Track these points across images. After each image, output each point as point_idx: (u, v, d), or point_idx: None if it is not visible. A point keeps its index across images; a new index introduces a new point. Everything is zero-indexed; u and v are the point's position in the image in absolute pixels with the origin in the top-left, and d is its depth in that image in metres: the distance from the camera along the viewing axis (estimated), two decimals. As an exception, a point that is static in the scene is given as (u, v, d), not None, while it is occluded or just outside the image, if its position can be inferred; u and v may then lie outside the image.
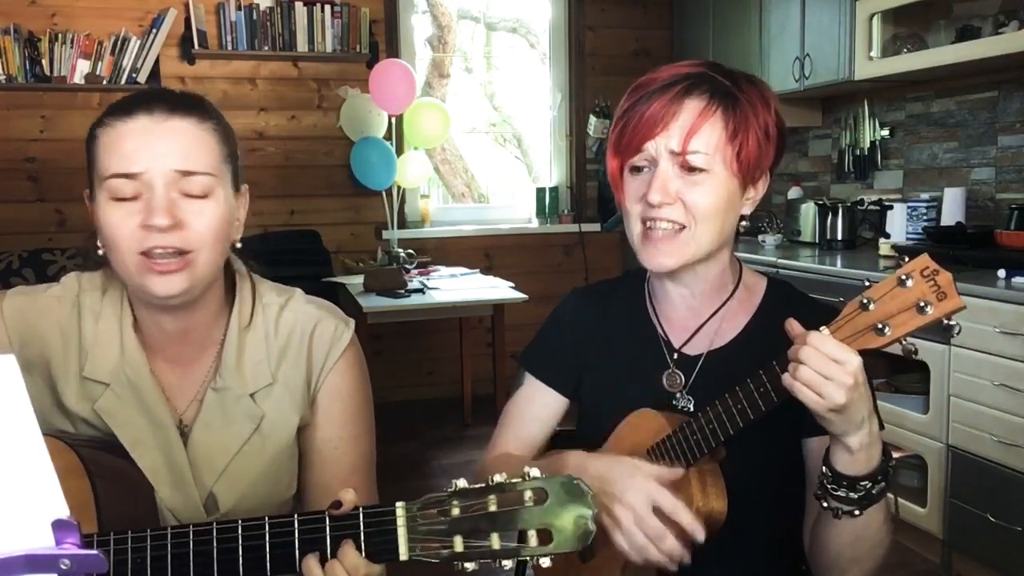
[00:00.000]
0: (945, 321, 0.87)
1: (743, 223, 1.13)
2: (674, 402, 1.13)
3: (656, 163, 1.05)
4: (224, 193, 1.04)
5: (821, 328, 0.91)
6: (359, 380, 1.16)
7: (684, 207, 1.05)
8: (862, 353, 0.89)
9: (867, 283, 0.91)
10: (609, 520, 0.96)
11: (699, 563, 1.09)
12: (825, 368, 0.87)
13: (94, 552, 0.62)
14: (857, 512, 0.95)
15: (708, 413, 0.99)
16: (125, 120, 1.00)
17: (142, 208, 0.98)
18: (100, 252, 1.03)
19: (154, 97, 1.02)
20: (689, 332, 1.16)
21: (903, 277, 0.87)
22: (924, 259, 0.87)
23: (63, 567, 0.61)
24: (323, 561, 0.83)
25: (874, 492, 0.94)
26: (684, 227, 1.05)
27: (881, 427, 0.96)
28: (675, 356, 1.16)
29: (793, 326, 0.91)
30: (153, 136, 0.99)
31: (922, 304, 0.86)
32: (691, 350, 1.15)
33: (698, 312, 1.16)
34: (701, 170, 1.04)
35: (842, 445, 0.92)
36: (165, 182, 0.98)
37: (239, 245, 1.10)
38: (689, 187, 1.04)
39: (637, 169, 1.08)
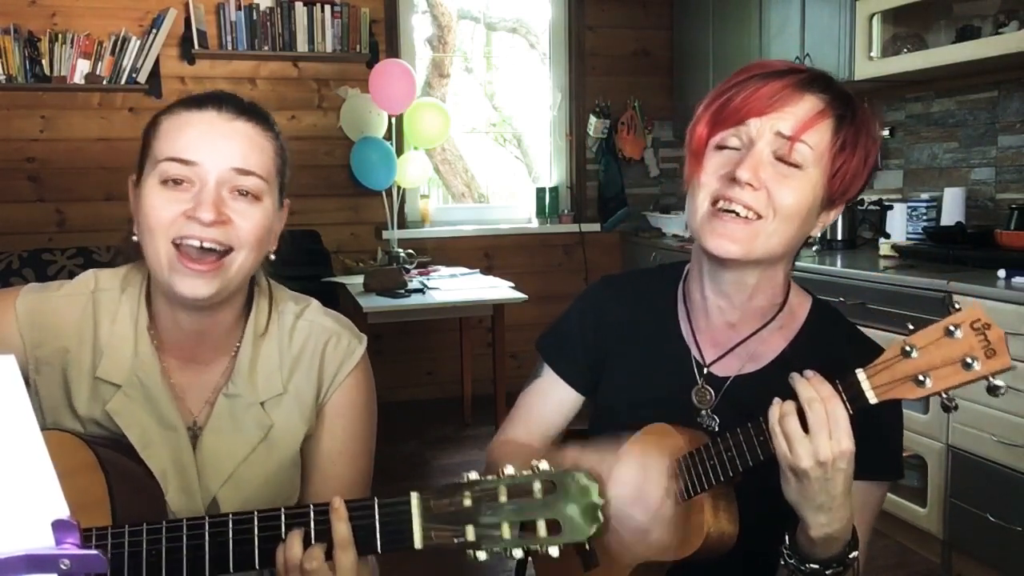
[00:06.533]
0: (991, 380, 0.81)
1: (814, 245, 1.08)
2: (699, 419, 1.08)
3: (752, 144, 0.97)
4: (271, 202, 1.05)
5: (857, 371, 0.86)
6: (365, 399, 1.15)
7: (767, 198, 0.96)
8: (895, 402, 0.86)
9: (911, 324, 0.85)
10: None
11: None
12: (817, 430, 0.84)
13: (94, 552, 0.62)
14: None
15: (728, 440, 0.95)
16: (193, 111, 1.02)
17: (190, 199, 0.98)
18: (134, 238, 1.03)
19: (226, 98, 1.04)
20: (721, 349, 1.09)
21: (951, 328, 0.82)
22: (976, 311, 0.82)
23: (63, 567, 0.61)
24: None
25: (827, 574, 0.93)
26: (761, 217, 0.97)
27: (854, 547, 0.94)
28: (705, 372, 1.09)
29: (819, 387, 0.86)
30: (217, 131, 1.01)
31: (969, 360, 0.80)
32: (720, 370, 1.09)
33: (735, 329, 1.09)
34: (797, 166, 0.97)
35: (802, 525, 0.91)
36: (219, 179, 0.99)
37: (272, 257, 1.11)
38: (779, 179, 0.96)
39: (725, 148, 1.00)
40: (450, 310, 3.56)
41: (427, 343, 4.52)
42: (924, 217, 3.20)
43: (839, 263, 3.09)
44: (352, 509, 0.85)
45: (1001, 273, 2.47)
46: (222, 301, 1.05)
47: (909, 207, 3.25)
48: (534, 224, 4.75)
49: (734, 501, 1.00)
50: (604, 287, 1.22)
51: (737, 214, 0.97)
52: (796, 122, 0.96)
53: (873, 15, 3.13)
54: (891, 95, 3.54)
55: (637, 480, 0.96)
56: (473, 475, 0.81)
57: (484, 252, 4.60)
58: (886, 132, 3.57)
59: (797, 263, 3.17)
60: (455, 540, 0.79)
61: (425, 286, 3.65)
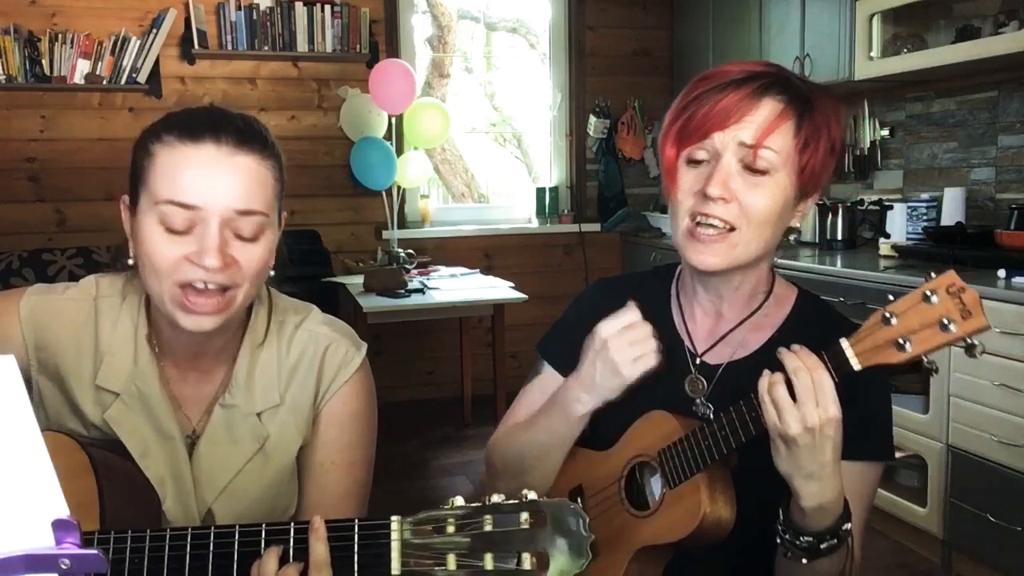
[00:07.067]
0: (968, 340, 0.84)
1: (793, 235, 1.12)
2: (694, 408, 1.11)
3: (719, 156, 1.01)
4: (272, 233, 1.03)
5: (841, 340, 0.90)
6: (362, 407, 1.14)
7: (739, 208, 1.00)
8: (881, 368, 0.88)
9: (890, 296, 0.88)
10: (611, 378, 1.04)
11: (694, 568, 1.08)
12: (804, 398, 0.87)
13: (94, 552, 0.62)
14: (804, 560, 0.96)
15: (721, 419, 0.98)
16: (190, 145, 0.96)
17: (193, 241, 0.95)
18: (130, 262, 1.01)
19: (222, 125, 0.98)
20: (713, 339, 1.14)
21: (928, 293, 0.85)
22: (951, 276, 0.85)
23: (63, 567, 0.61)
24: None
25: (821, 548, 0.94)
26: (734, 229, 1.01)
27: (847, 519, 0.95)
28: (697, 362, 1.13)
29: (805, 358, 0.90)
30: (218, 170, 0.96)
31: (945, 321, 0.84)
32: (712, 359, 1.13)
33: (724, 320, 1.13)
34: (764, 172, 1.00)
35: (795, 496, 0.93)
36: (221, 221, 0.96)
37: (272, 273, 1.08)
38: (749, 188, 1.00)
39: (695, 163, 1.03)
40: (450, 310, 3.56)
41: (427, 343, 4.52)
42: (924, 217, 3.20)
43: (839, 263, 3.09)
44: (332, 530, 0.83)
45: (1001, 273, 2.47)
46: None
47: (909, 207, 3.25)
48: (534, 224, 4.75)
49: (731, 486, 1.02)
50: (600, 288, 1.26)
51: (715, 226, 1.02)
52: (757, 130, 0.99)
53: (873, 15, 3.13)
54: (891, 95, 3.54)
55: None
56: (459, 501, 0.78)
57: (484, 252, 4.60)
58: (886, 132, 3.57)
59: (797, 263, 3.17)
60: (436, 569, 0.76)
61: (425, 286, 3.65)
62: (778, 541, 0.98)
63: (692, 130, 1.02)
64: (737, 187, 1.00)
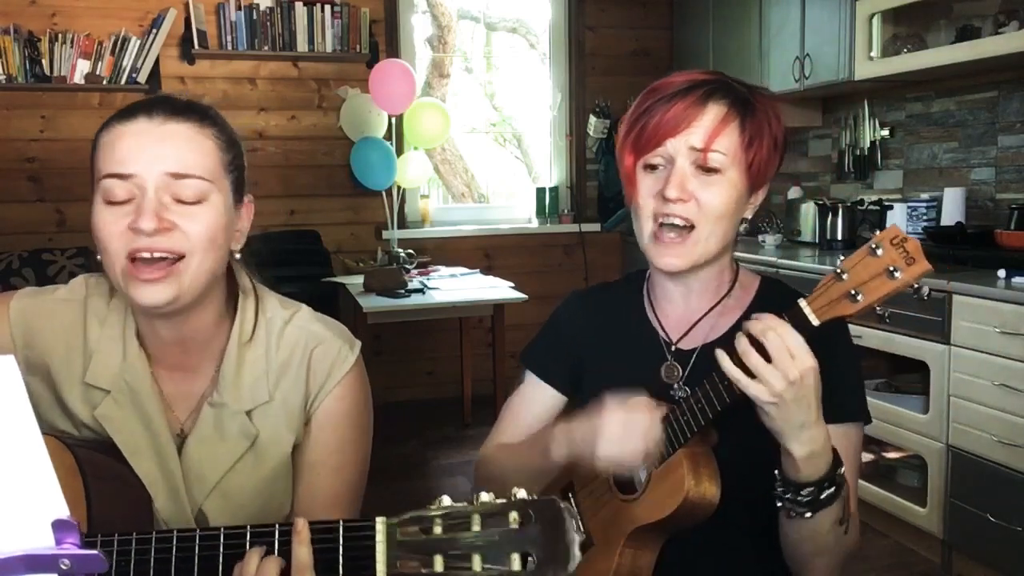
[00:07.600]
0: (915, 285, 0.90)
1: (743, 226, 1.17)
2: (671, 392, 1.16)
3: (673, 161, 1.08)
4: (222, 200, 1.02)
5: (799, 300, 0.95)
6: (356, 408, 1.12)
7: (697, 206, 1.08)
8: (841, 319, 0.93)
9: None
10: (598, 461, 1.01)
11: (690, 553, 1.11)
12: (778, 355, 0.91)
13: (94, 552, 0.62)
14: (808, 514, 0.98)
15: (696, 393, 1.02)
16: (125, 122, 1.00)
17: (133, 210, 0.97)
18: (99, 257, 1.02)
19: (157, 102, 1.02)
20: (685, 328, 1.20)
21: (873, 246, 0.90)
22: (893, 229, 0.91)
23: (63, 567, 0.61)
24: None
25: (822, 498, 0.97)
26: (694, 227, 1.09)
27: (839, 464, 0.98)
28: (672, 350, 1.19)
29: (768, 321, 0.94)
30: (149, 138, 0.98)
31: (891, 269, 0.89)
32: (686, 344, 1.19)
33: (695, 309, 1.19)
34: (716, 171, 1.08)
35: (787, 451, 0.95)
36: (156, 186, 0.97)
37: (239, 256, 1.08)
38: (703, 187, 1.08)
39: (652, 167, 1.11)
40: (450, 310, 3.56)
41: (427, 343, 4.52)
42: (924, 217, 3.20)
43: (839, 263, 3.08)
44: (315, 532, 0.82)
45: (1001, 273, 2.47)
46: (192, 306, 1.03)
47: (909, 207, 3.25)
48: (534, 224, 4.75)
49: (713, 462, 1.04)
50: (576, 297, 1.33)
51: (675, 225, 1.09)
52: (705, 133, 1.07)
53: (873, 15, 3.13)
54: (891, 95, 3.54)
55: (623, 416, 1.02)
56: (446, 500, 0.76)
57: (484, 252, 4.60)
58: (886, 132, 3.57)
59: (797, 263, 3.18)
60: (422, 571, 0.74)
61: (425, 286, 3.65)
62: (779, 505, 1.00)
63: (646, 139, 1.10)
64: (693, 187, 1.08)
